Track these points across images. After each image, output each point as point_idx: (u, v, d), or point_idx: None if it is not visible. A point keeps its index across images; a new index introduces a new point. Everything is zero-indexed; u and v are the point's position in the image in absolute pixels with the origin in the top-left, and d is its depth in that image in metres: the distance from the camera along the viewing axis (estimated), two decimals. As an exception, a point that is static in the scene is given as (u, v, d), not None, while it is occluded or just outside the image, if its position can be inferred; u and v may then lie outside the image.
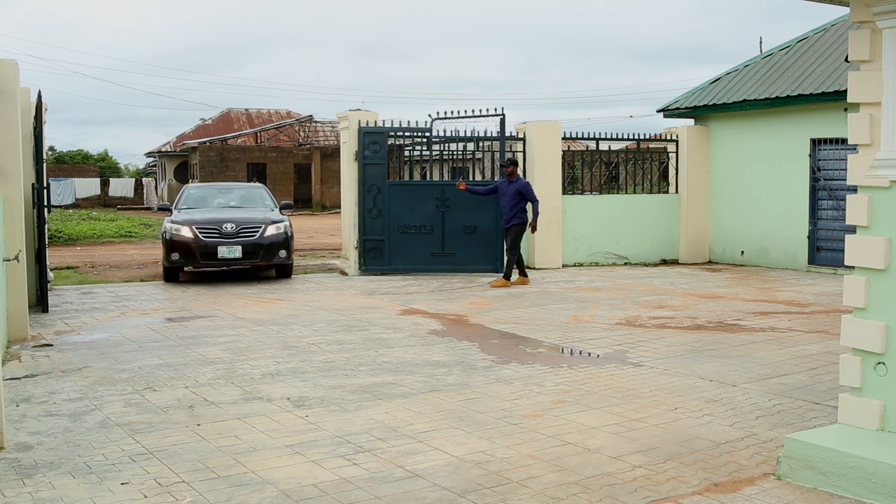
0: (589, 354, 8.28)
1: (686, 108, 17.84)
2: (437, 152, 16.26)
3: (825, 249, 15.57)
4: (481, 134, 15.31)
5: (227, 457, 5.17)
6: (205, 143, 45.91)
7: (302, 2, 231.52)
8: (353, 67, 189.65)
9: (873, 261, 4.72)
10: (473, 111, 14.85)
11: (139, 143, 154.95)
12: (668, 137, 17.83)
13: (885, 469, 4.37)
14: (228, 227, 13.63)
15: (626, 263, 16.94)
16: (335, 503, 4.45)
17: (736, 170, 17.08)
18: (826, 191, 15.52)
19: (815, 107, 15.49)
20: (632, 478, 4.82)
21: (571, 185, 17.96)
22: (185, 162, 50.63)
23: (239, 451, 5.28)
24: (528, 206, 13.82)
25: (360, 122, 14.96)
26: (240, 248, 13.53)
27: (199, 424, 5.86)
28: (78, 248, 22.87)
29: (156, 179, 55.53)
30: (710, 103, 17.27)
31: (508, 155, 16.10)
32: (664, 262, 17.32)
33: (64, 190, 46.92)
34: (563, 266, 16.25)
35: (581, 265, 16.59)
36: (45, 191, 10.56)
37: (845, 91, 5.95)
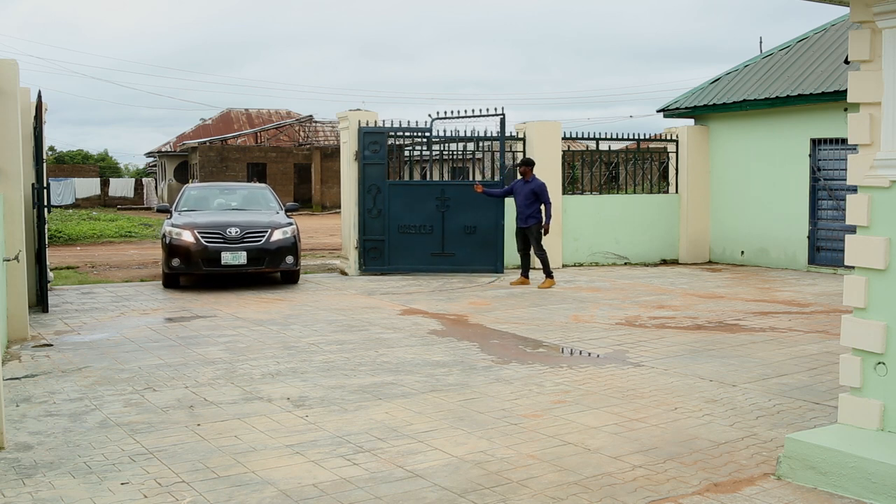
0: (589, 354, 8.28)
1: (686, 108, 17.84)
2: (437, 152, 16.26)
3: (825, 249, 15.58)
4: (481, 134, 15.31)
5: (227, 457, 5.17)
6: (205, 143, 45.92)
7: (302, 2, 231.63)
8: (353, 67, 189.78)
9: (873, 261, 4.72)
10: (473, 111, 14.85)
11: (139, 143, 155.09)
12: (668, 137, 17.84)
13: (885, 469, 4.37)
14: (233, 231, 12.85)
15: (626, 263, 16.94)
16: (335, 503, 4.45)
17: (736, 170, 17.08)
18: (826, 191, 15.52)
19: (815, 107, 15.49)
20: (632, 478, 4.82)
21: (571, 185, 17.96)
22: (185, 162, 50.63)
23: (239, 451, 5.28)
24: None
25: (360, 122, 14.96)
26: (245, 253, 12.75)
27: (199, 424, 5.86)
28: (78, 248, 22.87)
29: (156, 179, 55.54)
30: (710, 103, 17.27)
31: (508, 155, 16.12)
32: (664, 262, 17.32)
33: (64, 190, 46.93)
34: (563, 266, 16.25)
35: (581, 265, 16.59)
36: (45, 191, 10.56)
37: (845, 91, 5.95)
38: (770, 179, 16.36)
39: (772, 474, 4.86)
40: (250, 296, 12.39)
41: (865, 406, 4.79)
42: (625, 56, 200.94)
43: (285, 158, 46.79)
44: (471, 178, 20.86)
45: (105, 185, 52.35)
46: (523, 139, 16.25)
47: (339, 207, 16.80)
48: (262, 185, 16.15)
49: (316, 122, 49.83)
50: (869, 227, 4.77)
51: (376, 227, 14.89)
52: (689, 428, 5.78)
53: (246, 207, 14.54)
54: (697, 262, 17.42)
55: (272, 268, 13.20)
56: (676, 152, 17.62)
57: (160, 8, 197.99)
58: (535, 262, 15.74)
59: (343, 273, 15.20)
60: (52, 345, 8.76)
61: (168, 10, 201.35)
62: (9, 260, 8.35)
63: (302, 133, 49.78)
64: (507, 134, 15.59)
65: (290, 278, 13.82)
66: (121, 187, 52.93)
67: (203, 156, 44.51)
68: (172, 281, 13.30)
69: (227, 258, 12.72)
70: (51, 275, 13.21)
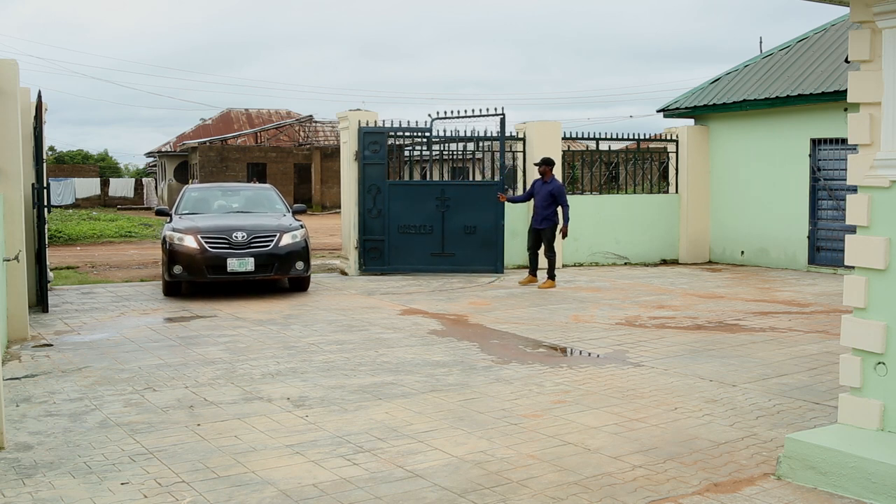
0: (589, 354, 8.28)
1: (686, 108, 17.84)
2: (437, 152, 16.26)
3: (825, 249, 15.58)
4: (481, 134, 15.31)
5: (227, 457, 5.17)
6: (205, 143, 45.91)
7: (302, 2, 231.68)
8: (353, 67, 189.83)
9: (873, 261, 4.72)
10: (473, 111, 14.85)
11: (139, 143, 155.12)
12: (668, 137, 17.84)
13: (885, 469, 4.37)
14: (239, 236, 11.98)
15: (626, 263, 16.94)
16: (335, 503, 4.45)
17: (736, 170, 17.08)
18: (826, 191, 15.52)
19: (815, 107, 15.49)
20: (632, 478, 4.82)
21: (571, 185, 17.96)
22: (185, 162, 50.64)
23: (239, 451, 5.28)
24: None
25: (360, 122, 14.96)
26: (252, 259, 11.89)
27: (199, 424, 5.86)
28: (78, 248, 22.87)
29: (156, 179, 55.55)
30: (710, 103, 17.27)
31: (508, 155, 16.12)
32: (664, 262, 17.32)
33: (64, 190, 46.96)
34: (563, 266, 16.24)
35: (581, 265, 16.59)
36: (45, 191, 10.56)
37: (845, 91, 5.96)
38: (770, 179, 16.36)
39: (772, 474, 4.86)
40: (250, 296, 12.38)
41: (865, 406, 4.79)
42: (625, 56, 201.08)
43: (285, 158, 46.78)
44: (471, 178, 20.87)
45: (105, 185, 52.37)
46: (523, 139, 16.25)
47: (339, 207, 16.78)
48: (267, 185, 15.27)
49: (316, 122, 49.83)
50: (869, 227, 4.77)
51: (376, 227, 14.89)
52: (689, 428, 5.78)
53: (251, 210, 13.73)
54: (697, 262, 17.42)
55: (281, 274, 12.33)
56: (676, 152, 17.62)
57: (160, 8, 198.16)
58: (542, 262, 15.75)
59: (343, 273, 15.20)
60: (52, 345, 8.76)
61: (168, 10, 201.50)
62: (9, 260, 8.35)
63: (302, 133, 49.78)
64: (507, 134, 15.59)
65: (299, 285, 12.92)
66: (121, 187, 52.95)
67: (203, 156, 44.51)
68: (174, 289, 12.38)
69: (234, 265, 11.87)
70: (51, 275, 13.21)
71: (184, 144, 48.93)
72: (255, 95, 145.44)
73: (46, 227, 11.02)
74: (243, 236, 12.02)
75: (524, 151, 16.20)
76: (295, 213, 13.65)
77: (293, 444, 5.43)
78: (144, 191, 53.19)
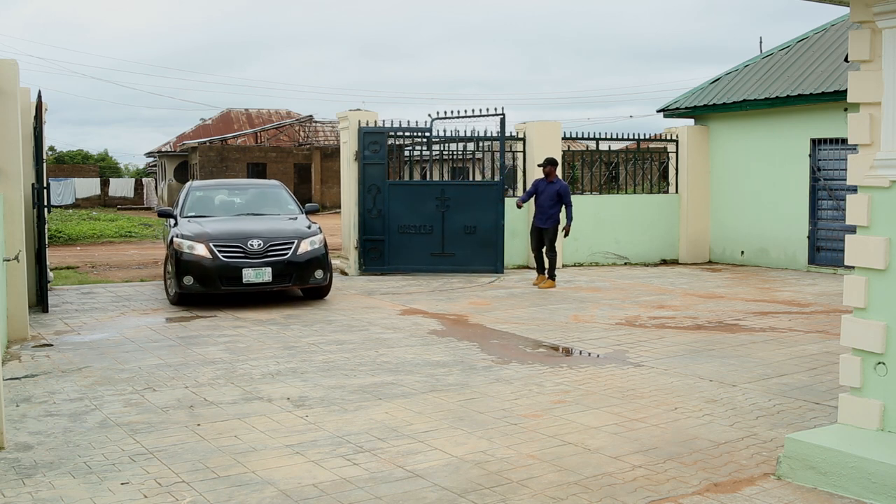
0: (589, 354, 8.28)
1: (686, 108, 17.84)
2: (437, 152, 16.26)
3: (825, 249, 15.57)
4: (481, 134, 15.31)
5: (227, 457, 5.18)
6: (205, 143, 45.90)
7: (302, 2, 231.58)
8: (353, 67, 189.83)
9: (873, 261, 4.72)
10: (473, 111, 14.85)
11: (139, 143, 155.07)
12: (668, 137, 17.84)
13: (885, 469, 4.37)
14: (255, 243, 11.01)
15: (626, 263, 16.94)
16: (335, 503, 4.45)
17: (736, 170, 17.08)
18: (826, 191, 15.52)
19: (815, 107, 15.49)
20: (632, 478, 4.82)
21: (571, 185, 17.94)
22: (185, 162, 50.63)
23: (239, 451, 5.28)
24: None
25: (360, 122, 14.96)
26: (269, 269, 10.94)
27: (199, 424, 5.86)
28: (78, 248, 22.87)
29: (156, 179, 55.54)
30: (710, 103, 17.27)
31: (508, 155, 16.12)
32: (664, 262, 17.32)
33: (64, 190, 46.95)
34: (563, 266, 16.24)
35: (581, 265, 16.59)
36: (45, 191, 10.56)
37: (845, 91, 5.96)
38: (770, 179, 16.35)
39: (772, 474, 4.86)
40: (250, 296, 12.37)
41: (865, 406, 4.79)
42: (625, 56, 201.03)
43: (285, 158, 46.77)
44: (471, 179, 20.88)
45: (105, 185, 52.38)
46: (523, 139, 16.25)
47: (339, 207, 16.77)
48: (275, 182, 14.20)
49: (316, 122, 49.81)
50: (869, 227, 4.77)
51: (376, 227, 14.89)
52: (689, 428, 5.78)
53: (263, 212, 12.66)
54: (697, 262, 17.42)
55: (299, 284, 11.35)
56: (676, 152, 17.61)
57: (160, 8, 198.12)
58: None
59: (343, 273, 15.20)
60: (52, 345, 8.76)
61: (168, 10, 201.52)
62: (9, 260, 8.35)
63: (302, 133, 49.78)
64: (507, 134, 15.59)
65: (317, 294, 11.93)
66: (121, 187, 52.96)
67: (203, 156, 44.51)
68: (184, 301, 11.43)
69: (250, 275, 10.90)
70: (51, 275, 13.21)
71: (184, 144, 48.92)
72: (255, 95, 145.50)
73: (46, 227, 11.02)
74: (259, 244, 11.06)
75: (524, 151, 16.20)
76: (308, 213, 12.85)
77: (293, 444, 5.43)
78: (144, 191, 53.19)
